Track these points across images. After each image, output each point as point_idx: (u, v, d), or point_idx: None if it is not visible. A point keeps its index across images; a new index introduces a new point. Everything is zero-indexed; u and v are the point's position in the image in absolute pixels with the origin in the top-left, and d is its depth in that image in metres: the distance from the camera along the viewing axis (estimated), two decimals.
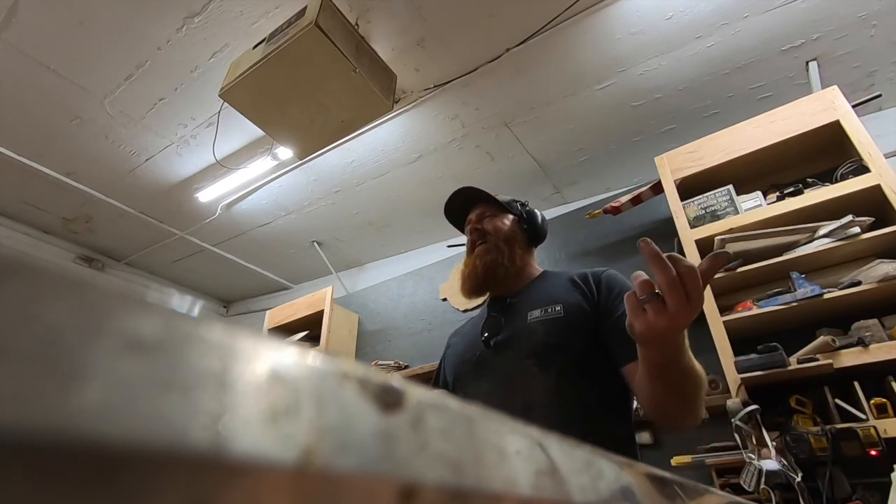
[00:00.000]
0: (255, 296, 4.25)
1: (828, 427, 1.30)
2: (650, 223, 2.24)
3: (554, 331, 0.87)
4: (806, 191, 1.66)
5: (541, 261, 2.59)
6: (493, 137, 2.44)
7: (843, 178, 1.59)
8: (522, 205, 1.13)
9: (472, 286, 1.03)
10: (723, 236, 1.66)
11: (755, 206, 1.71)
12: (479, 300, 1.20)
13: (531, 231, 1.09)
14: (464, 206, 1.12)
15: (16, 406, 0.06)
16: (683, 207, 1.82)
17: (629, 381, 0.83)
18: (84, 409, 0.07)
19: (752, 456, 1.29)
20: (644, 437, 1.82)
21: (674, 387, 0.67)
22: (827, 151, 1.71)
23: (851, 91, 1.95)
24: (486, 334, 0.96)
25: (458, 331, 1.13)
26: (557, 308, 0.91)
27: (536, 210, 1.13)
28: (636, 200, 2.15)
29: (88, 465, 0.07)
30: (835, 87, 1.69)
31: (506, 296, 1.02)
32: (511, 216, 1.09)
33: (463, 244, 1.14)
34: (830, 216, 1.54)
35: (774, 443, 1.30)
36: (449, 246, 1.28)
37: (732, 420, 1.34)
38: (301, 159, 2.41)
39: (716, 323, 1.54)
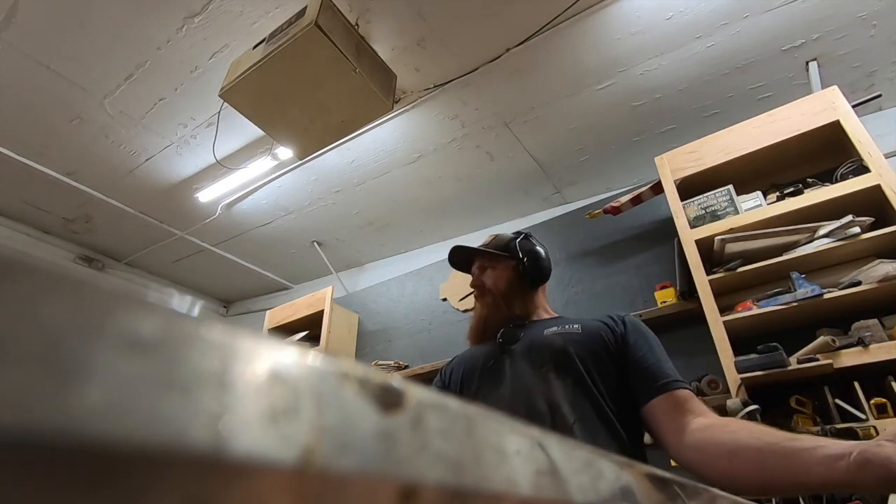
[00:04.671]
0: (255, 296, 4.25)
1: (828, 427, 1.30)
2: (650, 223, 2.24)
3: (572, 342, 0.87)
4: (806, 191, 1.66)
5: None
6: (493, 137, 2.44)
7: (843, 178, 1.59)
8: (525, 238, 1.10)
9: (473, 335, 1.06)
10: (723, 236, 1.66)
11: (755, 206, 1.71)
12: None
13: (532, 272, 1.05)
14: (466, 257, 1.13)
15: (16, 406, 0.06)
16: (683, 207, 1.82)
17: (648, 420, 0.81)
18: (84, 409, 0.07)
19: None
20: (644, 437, 1.81)
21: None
22: (827, 151, 1.71)
23: (851, 91, 1.95)
24: (501, 341, 0.96)
25: (459, 355, 1.11)
26: (576, 326, 0.91)
27: (538, 247, 1.09)
28: (636, 200, 2.15)
29: (89, 465, 0.07)
30: (835, 87, 1.69)
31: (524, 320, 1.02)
32: (510, 263, 1.06)
33: None
34: (830, 216, 1.54)
35: None
36: None
37: None
38: (301, 159, 2.41)
39: (716, 323, 1.54)
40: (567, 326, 0.92)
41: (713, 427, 0.70)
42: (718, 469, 0.65)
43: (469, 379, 0.97)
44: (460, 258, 1.13)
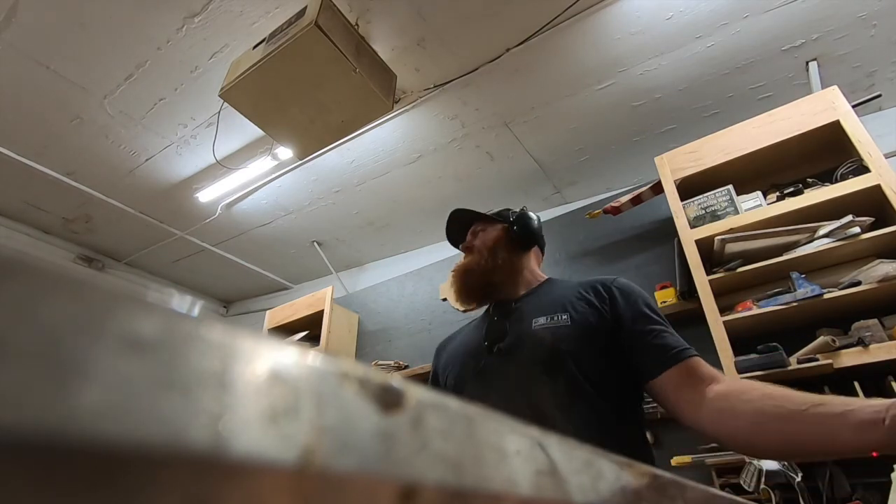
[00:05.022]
0: (255, 296, 4.25)
1: None
2: (650, 223, 2.24)
3: (561, 338, 0.85)
4: (806, 191, 1.66)
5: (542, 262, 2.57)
6: (493, 137, 2.44)
7: (843, 178, 1.59)
8: (521, 210, 1.16)
9: (456, 291, 1.07)
10: (723, 236, 1.66)
11: (755, 206, 1.71)
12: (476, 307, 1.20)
13: (521, 234, 1.09)
14: (462, 229, 1.17)
15: (16, 406, 0.06)
16: (683, 207, 1.81)
17: (658, 393, 0.79)
18: (84, 409, 0.07)
19: None
20: (645, 431, 1.82)
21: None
22: (827, 151, 1.71)
23: (851, 91, 1.95)
24: (488, 341, 0.94)
25: (449, 341, 1.12)
26: (564, 317, 0.89)
27: (531, 213, 1.15)
28: (636, 200, 2.15)
29: (89, 464, 0.07)
30: (835, 87, 1.69)
31: (510, 299, 1.01)
32: (500, 225, 1.11)
33: None
34: (830, 216, 1.54)
35: None
36: None
37: None
38: (301, 159, 2.41)
39: (716, 323, 1.54)
40: (555, 317, 0.89)
41: (730, 396, 0.69)
42: (740, 439, 0.66)
43: (459, 383, 0.95)
44: (457, 237, 1.18)
